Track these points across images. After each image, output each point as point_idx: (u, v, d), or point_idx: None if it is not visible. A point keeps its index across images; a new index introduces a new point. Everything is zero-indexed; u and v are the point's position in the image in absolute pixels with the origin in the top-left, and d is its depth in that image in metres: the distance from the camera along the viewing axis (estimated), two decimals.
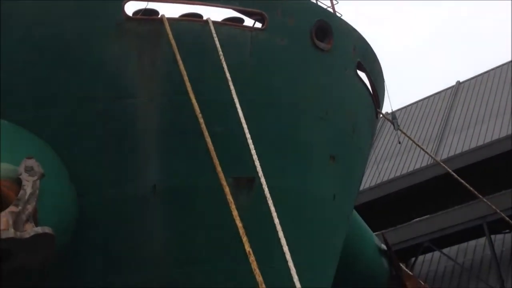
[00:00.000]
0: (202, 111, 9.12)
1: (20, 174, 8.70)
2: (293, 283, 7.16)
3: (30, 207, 8.46)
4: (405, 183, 23.84)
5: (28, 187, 8.60)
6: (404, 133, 17.26)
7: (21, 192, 8.54)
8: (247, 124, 9.06)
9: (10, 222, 8.12)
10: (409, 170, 25.48)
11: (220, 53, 9.91)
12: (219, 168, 8.29)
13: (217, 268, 10.86)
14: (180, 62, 9.65)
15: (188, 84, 9.26)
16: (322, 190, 12.31)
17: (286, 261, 7.33)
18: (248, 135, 8.81)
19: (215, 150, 8.77)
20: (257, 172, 8.52)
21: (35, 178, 8.71)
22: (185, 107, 9.69)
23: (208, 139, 8.68)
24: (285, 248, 7.39)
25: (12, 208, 8.34)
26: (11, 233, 8.04)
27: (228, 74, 9.60)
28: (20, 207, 8.37)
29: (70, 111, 10.27)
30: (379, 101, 14.27)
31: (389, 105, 18.48)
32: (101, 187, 10.32)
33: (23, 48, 10.17)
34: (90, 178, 10.23)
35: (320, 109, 12.00)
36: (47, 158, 9.61)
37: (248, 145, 8.79)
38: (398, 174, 25.86)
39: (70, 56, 10.27)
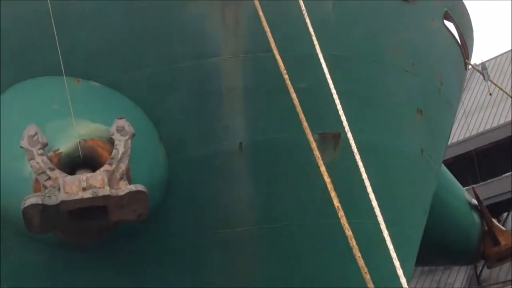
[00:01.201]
0: (286, 67, 9.11)
1: (113, 134, 9.02)
2: (382, 236, 7.16)
3: (123, 166, 8.78)
4: (495, 136, 23.18)
5: (120, 146, 8.92)
6: (495, 84, 16.75)
7: (114, 151, 8.87)
8: (332, 79, 8.99)
9: (105, 180, 8.46)
10: (499, 123, 24.74)
11: (303, 8, 9.81)
12: (305, 124, 8.29)
13: (305, 224, 10.96)
14: (263, 19, 9.63)
15: (272, 41, 9.24)
16: (409, 144, 12.15)
17: (375, 216, 7.32)
18: (333, 90, 8.75)
19: (300, 106, 8.76)
20: (343, 127, 8.47)
21: (127, 137, 9.00)
22: (270, 64, 9.71)
23: (294, 95, 8.67)
24: (374, 203, 7.37)
25: (106, 167, 8.68)
26: (106, 190, 8.38)
27: (311, 29, 9.51)
28: (113, 166, 8.70)
29: (155, 72, 10.47)
30: (467, 51, 13.84)
31: (478, 56, 17.95)
32: (188, 146, 10.53)
33: (107, 11, 10.38)
34: (178, 137, 10.46)
35: (406, 62, 11.77)
36: (137, 118, 9.88)
37: (333, 100, 8.74)
38: (488, 127, 25.15)
39: (153, 17, 10.43)
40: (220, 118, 10.52)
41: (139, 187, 8.58)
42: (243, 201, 10.74)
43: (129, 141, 9.00)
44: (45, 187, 8.52)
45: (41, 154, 8.66)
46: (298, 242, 10.92)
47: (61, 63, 9.02)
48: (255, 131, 10.63)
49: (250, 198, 10.76)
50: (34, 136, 8.75)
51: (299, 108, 8.60)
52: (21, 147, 8.69)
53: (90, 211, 8.60)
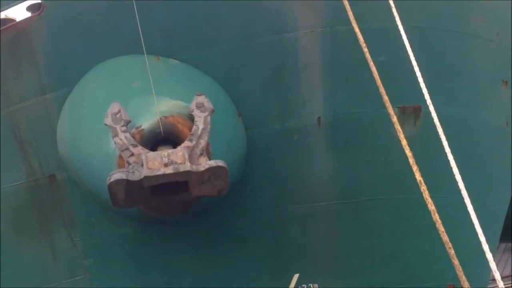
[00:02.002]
0: (365, 41, 8.95)
1: (192, 111, 9.15)
2: (466, 211, 7.00)
3: (203, 142, 8.91)
4: None
5: (200, 122, 9.04)
6: None
7: (194, 127, 9.01)
8: (412, 51, 8.77)
9: (186, 156, 8.61)
10: None
11: None
12: (385, 98, 8.13)
13: (385, 199, 10.84)
14: None
15: (350, 14, 9.09)
16: (493, 117, 11.77)
17: (458, 190, 7.15)
18: (414, 63, 8.54)
19: (380, 79, 8.61)
20: (424, 100, 8.28)
21: (206, 114, 9.11)
22: (348, 38, 9.57)
23: (373, 68, 8.51)
24: (458, 177, 7.19)
25: (186, 143, 8.84)
26: (187, 166, 8.54)
27: (391, 1, 9.30)
28: (194, 142, 8.84)
29: (233, 48, 10.50)
30: None
31: None
32: (267, 121, 10.56)
33: None
34: (257, 112, 10.50)
35: (491, 32, 11.37)
36: (216, 94, 9.96)
37: (414, 72, 8.54)
38: None
39: None
40: (298, 93, 10.48)
41: (219, 162, 8.69)
42: (323, 176, 10.70)
43: (209, 117, 9.11)
44: (129, 163, 8.75)
45: (124, 131, 8.89)
46: (378, 217, 10.82)
47: (142, 42, 9.17)
48: (334, 105, 10.53)
49: (329, 173, 10.71)
50: (117, 113, 8.99)
51: (379, 82, 8.44)
52: (105, 124, 8.94)
53: (172, 186, 8.79)
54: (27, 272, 11.22)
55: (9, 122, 10.87)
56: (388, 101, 8.24)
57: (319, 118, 10.50)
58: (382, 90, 8.36)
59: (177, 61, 10.23)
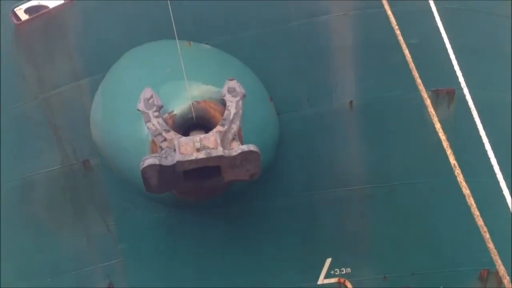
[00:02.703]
0: (397, 23, 8.86)
1: (224, 95, 9.17)
2: (501, 195, 6.93)
3: (235, 126, 8.93)
4: None
5: (232, 107, 9.05)
6: None
7: (226, 112, 9.02)
8: (445, 33, 8.67)
9: (218, 141, 8.64)
10: None
11: None
12: (419, 81, 8.06)
13: (417, 183, 10.76)
14: None
15: None
16: None
17: (494, 174, 7.08)
18: (448, 45, 8.45)
19: (413, 62, 8.53)
20: (458, 83, 8.20)
21: (238, 98, 9.12)
22: (380, 20, 9.48)
23: (406, 51, 8.44)
24: (493, 160, 7.11)
25: (218, 128, 8.86)
26: (219, 151, 8.57)
27: None
28: (226, 127, 8.87)
29: (264, 32, 10.47)
30: None
31: None
32: (298, 105, 10.52)
33: None
34: (288, 96, 10.47)
35: None
36: (247, 79, 9.96)
37: (447, 55, 8.44)
38: None
39: None
40: (330, 77, 10.43)
41: (251, 147, 8.70)
42: (355, 160, 10.66)
43: (240, 102, 9.12)
44: (161, 148, 8.82)
45: (156, 117, 8.95)
46: (411, 201, 10.75)
47: (174, 27, 9.19)
48: (366, 89, 10.46)
49: (361, 156, 10.66)
50: (149, 99, 9.04)
51: (411, 65, 8.37)
52: (138, 110, 9.01)
53: (204, 171, 8.83)
54: (62, 256, 11.40)
55: (43, 108, 11.01)
56: (421, 84, 8.17)
57: (351, 101, 10.44)
58: (415, 73, 8.30)
59: (208, 46, 10.26)
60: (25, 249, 11.67)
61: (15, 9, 11.13)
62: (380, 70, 10.41)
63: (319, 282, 10.70)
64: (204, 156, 8.52)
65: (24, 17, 11.01)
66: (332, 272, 10.67)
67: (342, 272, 10.69)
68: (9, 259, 11.85)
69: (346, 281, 10.67)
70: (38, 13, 10.88)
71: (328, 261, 10.67)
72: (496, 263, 6.68)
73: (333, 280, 10.69)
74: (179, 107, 9.28)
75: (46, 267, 11.51)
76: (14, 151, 11.43)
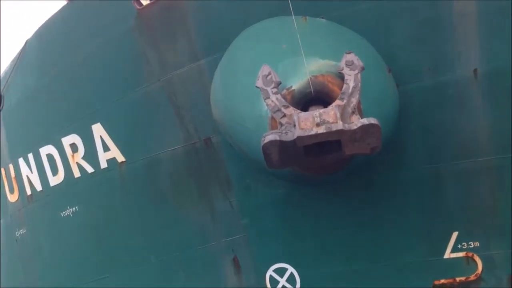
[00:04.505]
0: None
1: (342, 69, 9.07)
2: None
3: (354, 100, 8.83)
4: None
5: (350, 80, 8.95)
6: None
7: (345, 86, 8.93)
8: None
9: (338, 115, 8.58)
10: None
11: None
12: None
13: None
14: None
15: None
16: None
17: None
18: None
19: None
20: None
21: (356, 71, 8.99)
22: None
23: None
24: None
25: (337, 102, 8.79)
26: (339, 125, 8.51)
27: None
28: (345, 101, 8.78)
29: (381, 3, 10.25)
30: None
31: None
32: (419, 75, 10.24)
33: None
34: (408, 67, 10.21)
35: None
36: (365, 51, 9.80)
37: None
38: None
39: None
40: (453, 45, 10.05)
41: (372, 120, 8.59)
42: (480, 130, 10.25)
43: (359, 75, 8.99)
44: (281, 124, 8.88)
45: (275, 93, 9.01)
46: None
47: (289, 3, 9.19)
48: (491, 56, 9.99)
49: (487, 127, 10.24)
50: (268, 75, 9.11)
51: None
52: (256, 87, 9.10)
53: (325, 145, 8.82)
54: (188, 232, 11.78)
55: (166, 89, 11.36)
56: None
57: (475, 70, 10.03)
58: None
59: (324, 20, 10.16)
60: (154, 225, 12.16)
61: None
62: (506, 36, 9.90)
63: (446, 256, 10.46)
64: (324, 131, 8.49)
65: (145, 2, 11.35)
66: (459, 246, 10.39)
67: (470, 246, 10.39)
68: (139, 235, 12.41)
69: (474, 255, 10.37)
70: None
71: (455, 234, 10.40)
72: None
73: (460, 254, 10.41)
74: (297, 83, 9.29)
75: (174, 242, 11.95)
76: (140, 132, 11.91)
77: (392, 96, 9.99)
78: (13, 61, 14.34)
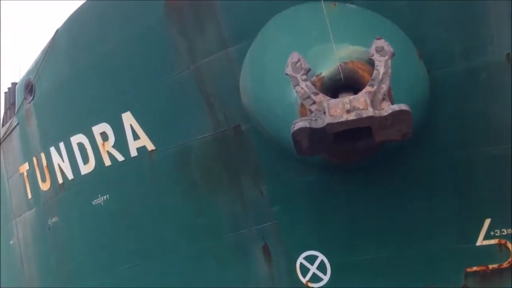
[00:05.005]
0: None
1: (372, 55, 9.00)
2: None
3: (384, 86, 8.76)
4: None
5: (381, 67, 8.88)
6: None
7: (375, 72, 8.87)
8: None
9: (368, 101, 8.53)
10: None
11: None
12: None
13: None
14: None
15: None
16: None
17: None
18: None
19: None
20: None
21: (387, 57, 8.92)
22: None
23: None
24: None
25: (368, 88, 8.74)
26: (370, 112, 8.46)
27: None
28: (375, 87, 8.72)
29: None
30: None
31: None
32: (451, 60, 10.10)
33: None
34: (439, 52, 10.07)
35: None
36: (395, 37, 9.68)
37: None
38: None
39: None
40: (484, 28, 9.90)
41: (402, 106, 8.52)
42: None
43: (389, 61, 8.92)
44: (311, 111, 8.85)
45: (305, 80, 8.97)
46: None
47: None
48: None
49: None
50: (297, 62, 9.07)
51: None
52: (286, 74, 9.07)
53: (355, 132, 8.77)
54: (220, 219, 11.83)
55: (195, 77, 11.39)
56: None
57: (508, 54, 9.87)
58: None
59: (354, 6, 10.05)
60: (184, 212, 12.23)
61: None
62: None
63: (478, 243, 10.36)
64: (355, 118, 8.45)
65: None
66: (492, 233, 10.29)
67: (503, 233, 10.27)
68: (170, 222, 12.50)
69: (507, 242, 10.26)
70: None
71: (487, 221, 10.29)
72: None
73: (492, 242, 10.31)
74: (326, 69, 9.24)
75: (205, 229, 12.02)
76: (169, 120, 11.97)
77: (423, 81, 9.88)
78: (43, 50, 14.48)
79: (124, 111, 12.44)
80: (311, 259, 11.13)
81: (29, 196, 15.94)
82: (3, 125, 17.64)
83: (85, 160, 13.48)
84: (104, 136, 12.91)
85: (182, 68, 11.47)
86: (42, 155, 14.82)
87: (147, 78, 12.05)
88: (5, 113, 17.64)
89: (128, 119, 12.43)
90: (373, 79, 8.77)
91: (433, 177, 10.45)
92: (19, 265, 17.37)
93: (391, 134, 8.67)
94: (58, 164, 14.27)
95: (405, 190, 10.61)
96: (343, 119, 8.49)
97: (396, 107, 8.54)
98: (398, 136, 8.71)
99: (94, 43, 12.95)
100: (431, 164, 10.43)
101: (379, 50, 8.98)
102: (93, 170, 13.36)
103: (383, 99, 8.71)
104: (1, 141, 17.43)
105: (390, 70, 8.84)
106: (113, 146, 12.85)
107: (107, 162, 13.00)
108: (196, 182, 12.00)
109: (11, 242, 17.82)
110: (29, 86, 14.97)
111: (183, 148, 11.90)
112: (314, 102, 8.85)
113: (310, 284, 11.15)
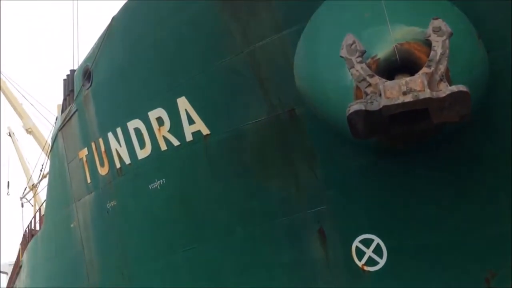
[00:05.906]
0: None
1: (429, 36, 8.83)
2: None
3: (442, 67, 8.59)
4: None
5: (438, 47, 8.70)
6: None
7: (432, 53, 8.69)
8: None
9: (425, 83, 8.38)
10: None
11: None
12: None
13: None
14: None
15: None
16: None
17: None
18: None
19: None
20: None
21: (444, 38, 8.74)
22: None
23: None
24: None
25: (425, 69, 8.58)
26: (427, 93, 8.32)
27: None
28: (432, 68, 8.56)
29: None
30: None
31: None
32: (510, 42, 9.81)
33: None
34: (499, 32, 9.78)
35: None
36: (453, 17, 9.45)
37: None
38: None
39: None
40: None
41: (461, 87, 8.35)
42: None
43: (447, 41, 8.73)
44: (366, 94, 8.76)
45: (360, 62, 8.88)
46: None
47: None
48: None
49: None
50: (352, 45, 8.98)
51: None
52: (341, 56, 8.99)
53: (411, 114, 8.64)
54: (274, 202, 11.86)
55: (249, 61, 11.39)
56: None
57: None
58: None
59: None
60: (239, 196, 12.30)
61: None
62: None
63: None
64: (411, 99, 8.32)
65: None
66: None
67: None
68: (225, 206, 12.59)
69: None
70: None
71: None
72: None
73: None
74: (382, 51, 9.11)
75: (260, 212, 12.06)
76: (224, 104, 12.02)
77: (482, 62, 9.62)
78: (100, 38, 14.71)
79: (179, 96, 12.55)
80: (367, 243, 11.06)
81: (88, 180, 16.29)
82: (62, 111, 18.05)
83: (142, 145, 13.68)
84: (160, 121, 13.07)
85: (236, 53, 11.49)
86: (100, 140, 15.10)
87: (201, 63, 12.12)
88: (64, 99, 18.02)
89: (183, 104, 12.54)
90: (430, 60, 8.62)
91: (490, 161, 10.22)
92: (79, 247, 17.81)
93: (449, 116, 8.51)
94: (116, 149, 14.52)
95: (461, 174, 10.41)
96: (399, 101, 8.37)
97: (454, 88, 8.37)
98: (456, 118, 8.54)
99: (149, 29, 13.08)
100: (488, 148, 10.20)
101: (436, 30, 8.81)
102: (150, 154, 13.55)
103: (441, 80, 8.55)
104: (61, 127, 17.84)
105: (447, 51, 8.66)
106: (168, 131, 12.98)
107: (163, 146, 13.16)
108: (250, 166, 12.03)
109: (72, 225, 18.27)
110: (87, 73, 15.25)
111: (238, 132, 11.94)
112: (369, 85, 8.76)
113: (366, 268, 11.09)
